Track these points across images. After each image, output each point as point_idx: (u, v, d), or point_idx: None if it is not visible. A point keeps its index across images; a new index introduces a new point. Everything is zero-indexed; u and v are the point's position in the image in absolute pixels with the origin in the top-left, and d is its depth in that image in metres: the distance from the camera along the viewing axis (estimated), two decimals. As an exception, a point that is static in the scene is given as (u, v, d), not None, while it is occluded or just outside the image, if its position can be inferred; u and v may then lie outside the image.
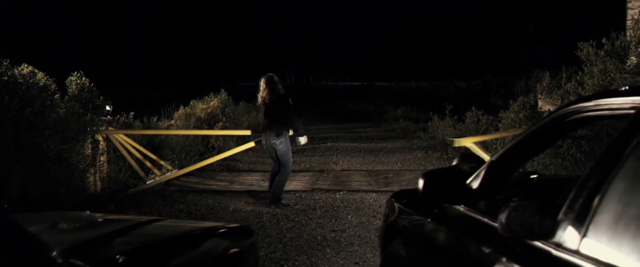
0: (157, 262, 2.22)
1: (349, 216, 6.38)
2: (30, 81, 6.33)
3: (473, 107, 11.38)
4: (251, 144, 7.86)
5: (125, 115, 9.43)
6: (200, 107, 12.61)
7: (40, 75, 6.56)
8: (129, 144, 7.86)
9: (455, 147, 7.64)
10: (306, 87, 26.20)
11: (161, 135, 9.67)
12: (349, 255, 5.01)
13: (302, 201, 7.21)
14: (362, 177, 9.00)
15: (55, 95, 6.75)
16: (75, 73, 7.91)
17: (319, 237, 5.56)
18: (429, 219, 2.54)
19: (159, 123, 11.23)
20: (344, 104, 24.78)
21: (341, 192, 7.64)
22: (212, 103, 12.99)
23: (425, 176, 2.21)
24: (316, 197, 7.42)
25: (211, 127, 11.76)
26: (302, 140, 7.04)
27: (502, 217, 1.71)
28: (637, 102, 1.62)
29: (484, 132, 10.25)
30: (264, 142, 6.92)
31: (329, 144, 13.82)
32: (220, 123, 12.04)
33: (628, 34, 8.26)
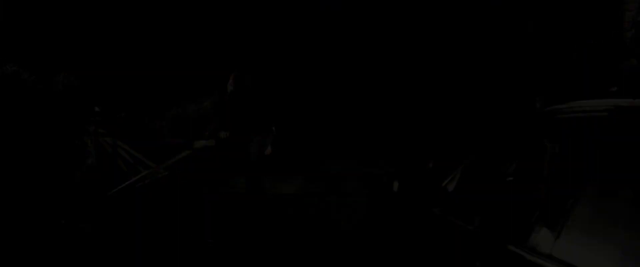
0: None
1: (343, 222, 6.22)
2: (15, 81, 6.17)
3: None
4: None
5: (117, 116, 9.25)
6: (193, 108, 12.45)
7: (25, 75, 6.41)
8: (118, 145, 7.68)
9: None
10: (305, 87, 26.25)
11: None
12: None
13: (295, 206, 7.05)
14: (358, 180, 8.85)
15: (42, 96, 6.59)
16: (63, 72, 7.75)
17: (313, 244, 5.40)
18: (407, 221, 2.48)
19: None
20: (342, 105, 24.92)
21: (336, 197, 7.48)
22: (205, 105, 12.82)
23: (401, 179, 2.17)
24: (310, 201, 7.26)
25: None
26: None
27: (476, 220, 1.69)
28: (610, 105, 1.61)
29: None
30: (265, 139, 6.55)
31: (325, 145, 13.67)
32: (214, 124, 11.87)
33: (626, 36, 8.16)
